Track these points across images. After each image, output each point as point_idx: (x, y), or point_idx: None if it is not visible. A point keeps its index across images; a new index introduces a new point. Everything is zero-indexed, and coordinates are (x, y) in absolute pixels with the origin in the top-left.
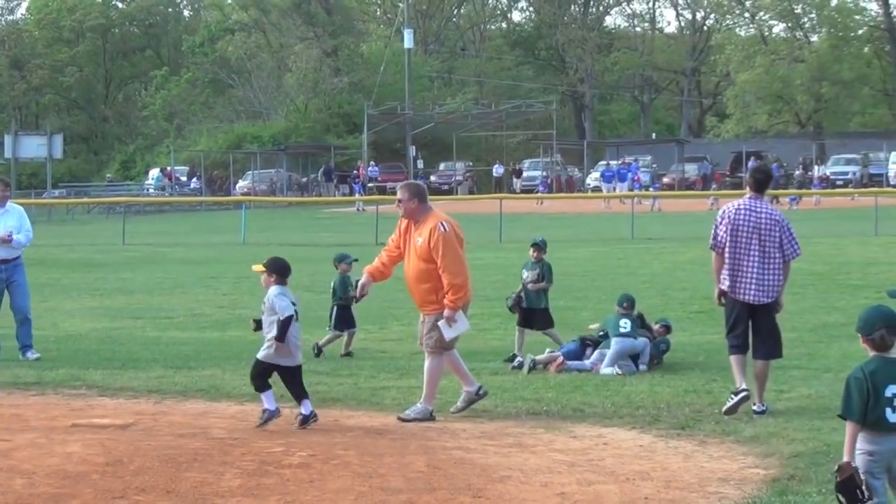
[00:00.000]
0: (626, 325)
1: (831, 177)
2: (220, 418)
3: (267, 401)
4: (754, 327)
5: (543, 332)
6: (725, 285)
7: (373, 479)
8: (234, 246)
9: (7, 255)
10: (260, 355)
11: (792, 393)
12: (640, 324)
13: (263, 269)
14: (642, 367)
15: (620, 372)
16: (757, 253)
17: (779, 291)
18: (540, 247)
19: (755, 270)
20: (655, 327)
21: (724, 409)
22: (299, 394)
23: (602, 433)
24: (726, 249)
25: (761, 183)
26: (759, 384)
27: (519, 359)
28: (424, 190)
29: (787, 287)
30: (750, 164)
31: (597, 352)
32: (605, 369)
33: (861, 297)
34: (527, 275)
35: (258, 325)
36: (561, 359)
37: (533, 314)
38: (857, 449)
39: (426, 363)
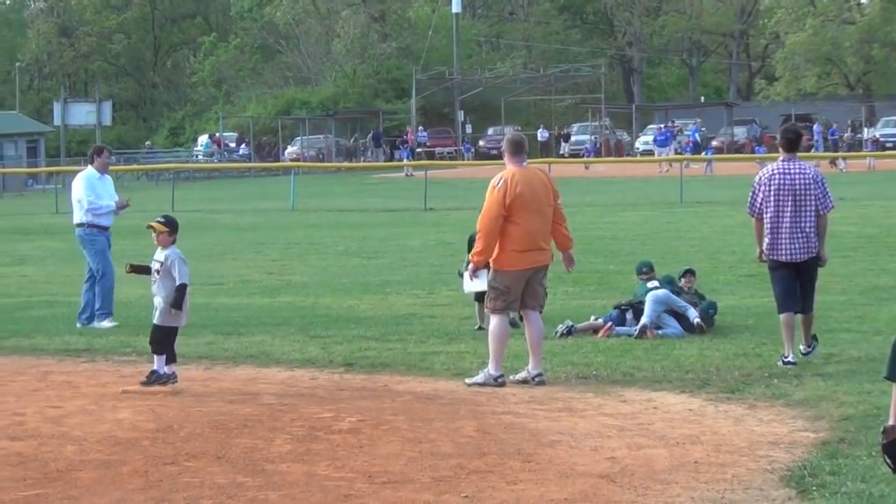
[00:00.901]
0: (654, 284)
1: (881, 139)
2: (270, 384)
3: (159, 363)
4: (802, 283)
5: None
6: (768, 248)
7: (423, 444)
8: (284, 212)
9: (110, 222)
10: (157, 321)
11: (842, 356)
12: (671, 288)
13: (165, 227)
14: (695, 319)
15: (659, 330)
16: (790, 212)
17: (817, 246)
18: None
19: (789, 229)
20: (682, 283)
21: (777, 363)
22: (168, 353)
23: (651, 397)
24: (765, 214)
25: (792, 142)
26: (804, 329)
27: (569, 323)
28: (510, 143)
29: (837, 250)
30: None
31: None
32: (644, 319)
33: None
34: None
35: (133, 269)
36: (610, 324)
37: None
38: None
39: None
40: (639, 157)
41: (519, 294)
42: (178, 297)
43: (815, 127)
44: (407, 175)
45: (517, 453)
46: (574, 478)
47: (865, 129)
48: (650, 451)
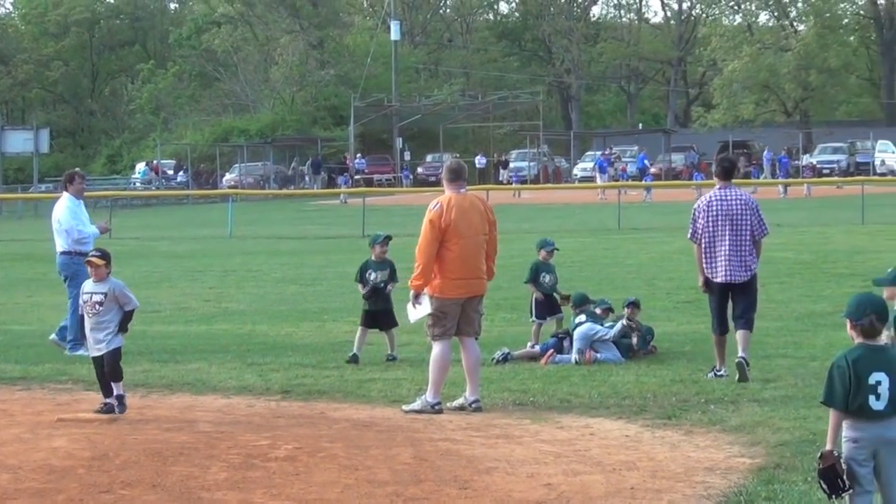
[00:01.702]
0: (580, 318)
1: (818, 165)
2: (207, 412)
3: (118, 388)
4: (734, 305)
5: (387, 332)
6: (706, 270)
7: (359, 471)
8: (221, 239)
9: (90, 248)
10: (109, 347)
11: (778, 382)
12: (602, 312)
13: (102, 260)
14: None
15: (599, 354)
16: (728, 236)
17: (753, 268)
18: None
19: (727, 252)
20: (626, 312)
21: (706, 377)
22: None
23: (588, 423)
24: (703, 238)
25: (728, 171)
26: (744, 343)
27: (500, 351)
28: (449, 170)
29: (774, 276)
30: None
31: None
32: (574, 355)
33: (847, 286)
34: (375, 275)
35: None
36: (552, 351)
37: (379, 315)
38: (842, 437)
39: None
40: (577, 184)
41: (455, 321)
42: (128, 318)
43: (765, 154)
44: (342, 202)
45: (454, 480)
46: None
47: (803, 156)
48: (587, 478)
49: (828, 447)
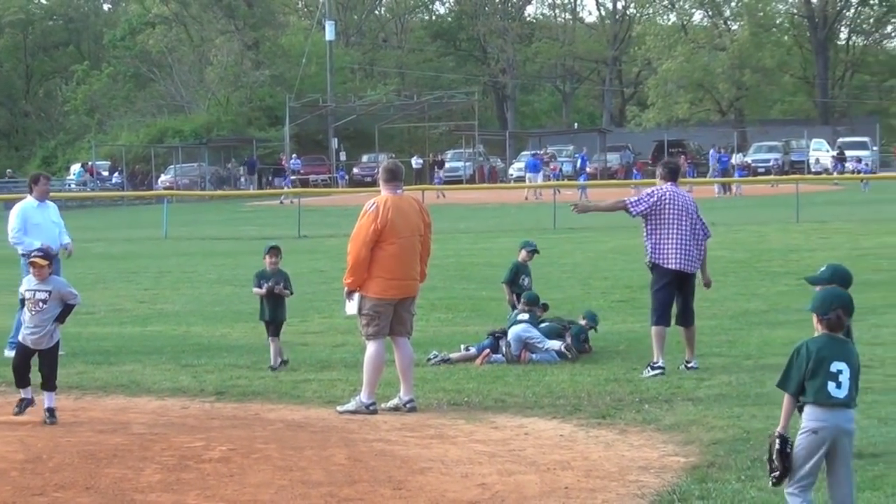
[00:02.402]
0: (523, 317)
1: (752, 164)
2: (141, 413)
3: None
4: (680, 297)
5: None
6: (656, 258)
7: (293, 472)
8: (156, 241)
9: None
10: (48, 345)
11: (712, 380)
12: (542, 319)
13: (46, 261)
14: (561, 347)
15: (534, 354)
16: (680, 228)
17: (700, 262)
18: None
19: (679, 242)
20: (582, 323)
21: (642, 375)
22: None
23: (523, 423)
24: (659, 226)
25: (674, 171)
26: (690, 345)
27: (435, 352)
28: (385, 170)
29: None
30: (681, 160)
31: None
32: (497, 357)
33: (781, 284)
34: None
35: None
36: (487, 351)
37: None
38: (803, 427)
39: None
40: (513, 184)
41: (389, 320)
42: (68, 313)
43: (710, 152)
44: (282, 202)
45: (388, 481)
46: None
47: (736, 155)
48: (521, 478)
49: (779, 429)
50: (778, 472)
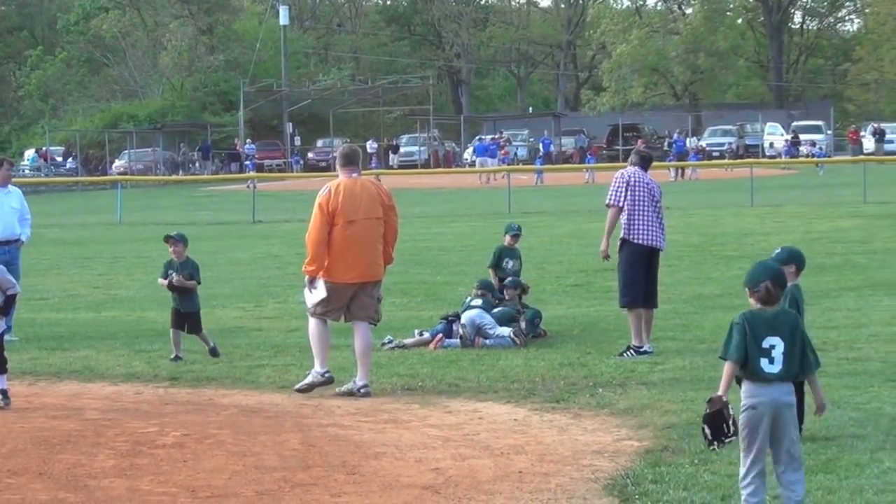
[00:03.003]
0: (476, 302)
1: (707, 148)
2: (94, 399)
3: (3, 381)
4: (649, 277)
5: (197, 335)
6: (626, 234)
7: (247, 457)
8: (110, 226)
9: (9, 236)
10: (3, 328)
11: (666, 364)
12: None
13: None
14: (509, 336)
15: (488, 340)
16: (649, 208)
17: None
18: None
19: (650, 220)
20: (515, 293)
21: (618, 355)
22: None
23: (477, 408)
24: (627, 206)
25: (646, 160)
26: (647, 329)
27: (389, 338)
28: (341, 155)
29: (663, 259)
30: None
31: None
32: (450, 341)
33: (736, 268)
34: (177, 277)
35: None
36: (441, 335)
37: (185, 316)
38: (742, 404)
39: None
40: (468, 168)
41: (341, 304)
42: (10, 302)
43: (675, 136)
44: (249, 187)
45: (342, 465)
46: (398, 489)
47: (692, 139)
48: (475, 462)
49: (719, 393)
50: (732, 433)
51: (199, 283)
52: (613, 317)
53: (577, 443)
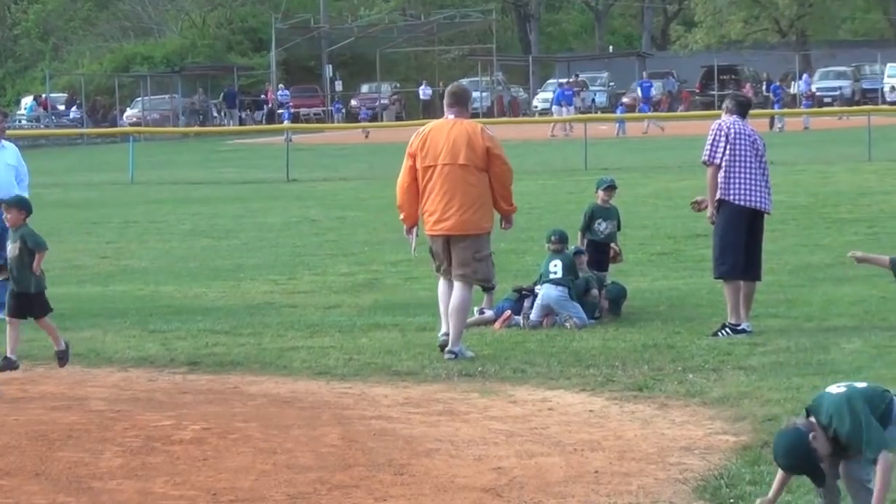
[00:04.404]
0: (556, 267)
1: (818, 93)
2: (100, 387)
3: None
4: (750, 244)
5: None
6: (724, 194)
7: (277, 455)
8: (121, 186)
9: (6, 197)
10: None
11: (768, 346)
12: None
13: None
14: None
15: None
16: (752, 163)
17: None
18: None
19: (753, 177)
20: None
21: (712, 335)
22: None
23: (546, 397)
24: (725, 162)
25: (743, 107)
26: (746, 305)
27: None
28: (447, 93)
29: (765, 223)
30: (745, 89)
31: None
32: (532, 318)
33: (850, 234)
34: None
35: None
36: (509, 312)
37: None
38: None
39: None
40: (537, 118)
41: (445, 259)
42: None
43: (772, 87)
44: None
45: (388, 464)
46: (454, 492)
47: (799, 82)
48: (543, 460)
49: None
50: None
51: (32, 252)
52: (707, 290)
53: (662, 437)
